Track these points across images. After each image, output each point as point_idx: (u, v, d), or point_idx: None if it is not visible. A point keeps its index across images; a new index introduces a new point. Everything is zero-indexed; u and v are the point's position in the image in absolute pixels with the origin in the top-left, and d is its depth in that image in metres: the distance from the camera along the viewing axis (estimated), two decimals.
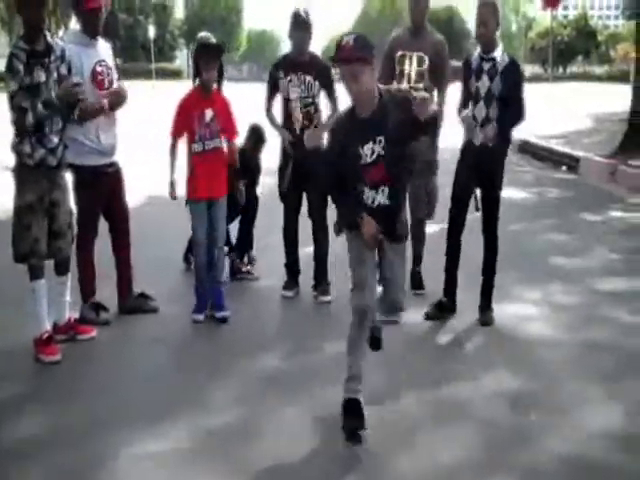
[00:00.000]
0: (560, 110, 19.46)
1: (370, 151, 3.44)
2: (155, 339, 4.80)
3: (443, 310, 5.12)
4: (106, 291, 5.15)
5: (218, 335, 4.92)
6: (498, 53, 4.83)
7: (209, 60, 4.95)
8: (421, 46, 5.42)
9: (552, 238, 7.37)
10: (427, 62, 5.39)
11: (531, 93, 20.62)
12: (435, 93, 5.42)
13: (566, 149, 12.80)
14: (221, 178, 5.11)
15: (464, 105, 4.97)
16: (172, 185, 5.10)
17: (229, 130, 5.10)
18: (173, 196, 5.12)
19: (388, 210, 3.56)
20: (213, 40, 5.27)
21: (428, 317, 5.08)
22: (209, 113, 4.99)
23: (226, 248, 5.57)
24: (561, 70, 60.71)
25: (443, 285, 5.16)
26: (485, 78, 4.80)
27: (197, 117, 4.98)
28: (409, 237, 3.96)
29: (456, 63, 5.69)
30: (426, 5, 5.53)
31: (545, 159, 12.81)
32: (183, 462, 3.33)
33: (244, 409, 3.85)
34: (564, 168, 11.88)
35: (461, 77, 4.99)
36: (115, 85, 4.96)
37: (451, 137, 5.61)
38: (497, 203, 4.98)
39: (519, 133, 14.16)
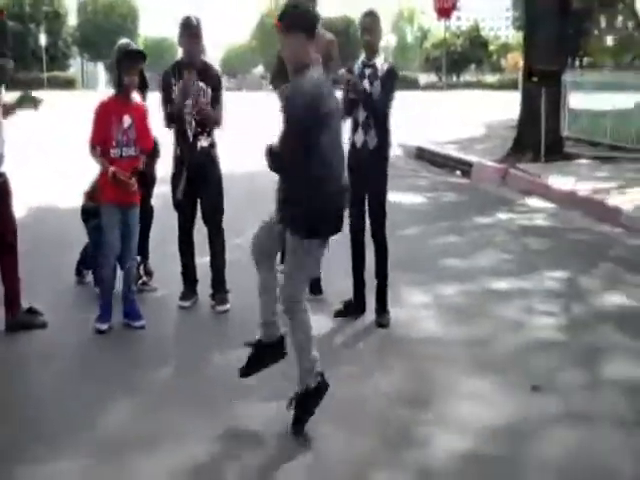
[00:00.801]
0: (454, 117, 20.01)
1: None
2: (46, 355, 4.63)
3: (352, 310, 5.22)
4: None
5: (114, 348, 4.79)
6: (379, 60, 5.06)
7: (131, 65, 4.91)
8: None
9: (446, 241, 7.57)
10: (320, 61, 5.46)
11: (426, 101, 21.08)
12: None
13: (460, 155, 13.18)
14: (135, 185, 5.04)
15: (346, 112, 5.03)
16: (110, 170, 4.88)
17: (144, 140, 5.04)
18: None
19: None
20: (134, 46, 5.17)
21: (337, 315, 5.17)
22: (127, 120, 4.92)
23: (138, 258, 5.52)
24: (455, 78, 62.62)
25: (352, 286, 5.25)
26: (366, 82, 4.99)
27: (115, 123, 4.90)
28: None
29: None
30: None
31: (440, 165, 13.14)
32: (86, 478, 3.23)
33: (143, 422, 3.76)
34: (458, 173, 12.22)
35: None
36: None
37: None
38: (383, 207, 5.12)
39: (415, 140, 14.53)
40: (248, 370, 3.89)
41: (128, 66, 4.89)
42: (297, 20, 3.61)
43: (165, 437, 3.59)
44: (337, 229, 3.73)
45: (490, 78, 63.33)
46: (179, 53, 5.59)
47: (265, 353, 3.86)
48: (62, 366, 4.48)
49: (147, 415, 3.85)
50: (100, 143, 4.95)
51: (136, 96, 5.09)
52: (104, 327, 4.98)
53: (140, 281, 5.88)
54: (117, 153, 4.93)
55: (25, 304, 5.06)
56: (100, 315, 5.03)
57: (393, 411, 3.84)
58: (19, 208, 5.22)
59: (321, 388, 3.65)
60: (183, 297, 5.52)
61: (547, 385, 4.11)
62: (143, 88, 5.37)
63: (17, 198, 5.10)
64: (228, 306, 5.40)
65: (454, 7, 21.65)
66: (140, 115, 5.03)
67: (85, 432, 3.64)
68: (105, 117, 4.93)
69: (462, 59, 65.46)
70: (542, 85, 11.62)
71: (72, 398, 4.04)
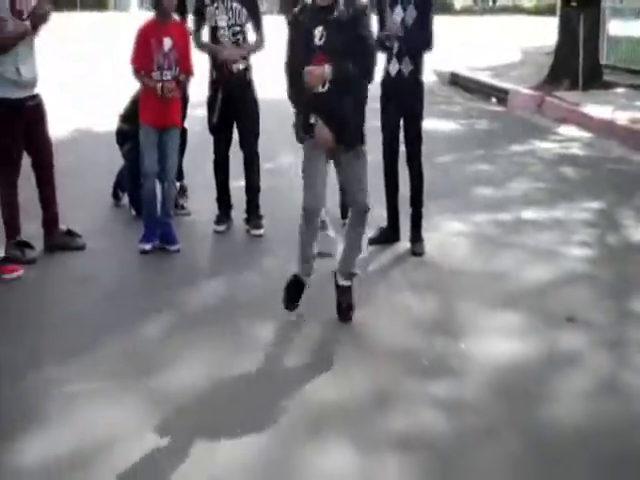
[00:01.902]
0: (490, 43, 19.49)
1: (319, 35, 3.73)
2: (83, 276, 4.71)
3: (386, 237, 5.22)
4: (31, 228, 5.02)
5: (148, 271, 4.88)
6: None
7: None
8: None
9: (479, 169, 7.49)
10: None
11: (461, 26, 20.53)
12: None
13: (495, 82, 12.89)
14: (175, 108, 5.05)
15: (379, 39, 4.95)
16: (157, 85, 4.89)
17: (184, 65, 5.00)
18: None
19: (338, 114, 3.77)
20: None
21: (371, 242, 5.15)
22: (168, 42, 4.89)
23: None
24: (491, 3, 60.77)
25: (386, 213, 5.24)
26: (399, 9, 4.85)
27: (156, 46, 4.86)
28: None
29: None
30: None
31: (475, 91, 12.88)
32: (110, 398, 3.31)
33: (171, 345, 3.82)
34: (494, 100, 11.99)
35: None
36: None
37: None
38: (419, 134, 5.06)
39: (449, 66, 14.22)
40: (292, 302, 4.03)
41: None
42: None
43: (188, 360, 3.65)
44: None
45: (527, 3, 61.27)
46: None
47: (299, 288, 4.03)
48: (97, 287, 4.55)
49: (175, 338, 3.90)
50: (141, 66, 4.93)
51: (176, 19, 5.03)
52: (148, 247, 5.04)
53: (179, 201, 5.91)
54: (157, 76, 4.91)
55: (63, 227, 5.14)
56: (144, 235, 5.08)
57: (425, 340, 3.86)
58: (55, 130, 5.23)
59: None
60: (218, 221, 5.56)
61: (580, 317, 4.09)
62: (183, 12, 5.28)
63: (52, 120, 5.11)
64: (262, 231, 5.43)
65: None
66: (181, 37, 4.99)
67: (112, 354, 3.71)
68: (145, 40, 4.90)
69: None
70: (581, 10, 11.22)
71: (103, 319, 4.12)
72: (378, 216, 5.35)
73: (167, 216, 5.15)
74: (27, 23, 4.62)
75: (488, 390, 3.39)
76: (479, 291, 4.48)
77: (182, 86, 5.15)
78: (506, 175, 7.18)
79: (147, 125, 5.01)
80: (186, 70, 5.05)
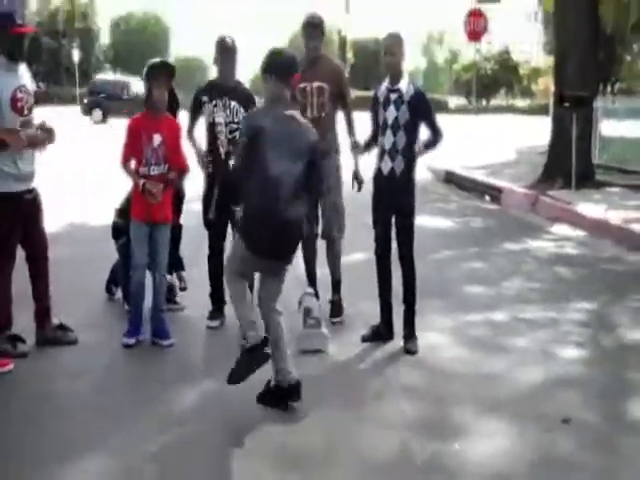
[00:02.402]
0: (484, 142, 19.95)
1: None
2: (74, 371, 4.67)
3: (379, 335, 5.19)
4: (23, 321, 4.99)
5: (141, 365, 4.82)
6: (404, 84, 5.01)
7: (159, 79, 4.95)
8: (319, 75, 5.55)
9: (473, 267, 7.52)
10: (327, 92, 5.55)
11: (456, 125, 20.99)
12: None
13: (490, 180, 13.12)
14: (166, 204, 5.07)
15: (373, 138, 5.17)
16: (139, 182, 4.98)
17: (176, 161, 5.07)
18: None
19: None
20: (163, 60, 5.25)
21: (364, 340, 5.14)
22: (157, 138, 4.96)
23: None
24: (485, 102, 62.43)
25: (379, 311, 5.23)
26: (392, 108, 4.98)
27: (145, 141, 4.94)
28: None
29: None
30: (321, 36, 5.65)
31: (470, 189, 13.09)
32: None
33: (167, 438, 3.78)
34: (488, 198, 12.17)
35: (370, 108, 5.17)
36: (34, 112, 4.87)
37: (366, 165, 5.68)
38: (411, 231, 5.10)
39: (444, 164, 14.50)
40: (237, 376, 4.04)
41: (157, 79, 4.93)
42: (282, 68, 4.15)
43: (187, 453, 3.59)
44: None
45: (520, 103, 63.06)
46: (212, 72, 5.66)
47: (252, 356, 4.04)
48: (88, 382, 4.51)
49: (170, 432, 3.86)
50: (129, 160, 5.01)
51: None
52: (131, 341, 5.02)
53: (179, 286, 5.91)
54: (145, 171, 4.98)
55: (55, 320, 5.11)
56: (128, 330, 5.07)
57: (418, 442, 3.79)
58: (50, 224, 5.27)
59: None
60: (211, 317, 5.54)
61: (575, 418, 4.04)
62: (174, 106, 5.40)
63: (48, 214, 5.16)
64: None
65: (485, 30, 21.63)
66: (172, 133, 5.06)
67: (109, 450, 3.66)
68: (135, 134, 4.97)
69: (492, 83, 65.31)
70: (573, 111, 11.53)
71: (91, 411, 4.08)
72: (370, 313, 5.36)
73: (159, 311, 5.13)
74: (24, 139, 4.71)
75: None
76: (473, 393, 4.41)
77: (175, 182, 5.20)
78: (500, 274, 7.21)
79: (137, 220, 5.04)
80: (179, 166, 5.10)
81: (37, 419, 4.01)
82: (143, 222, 5.01)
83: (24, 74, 4.91)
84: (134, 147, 4.98)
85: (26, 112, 4.81)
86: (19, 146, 4.68)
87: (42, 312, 5.06)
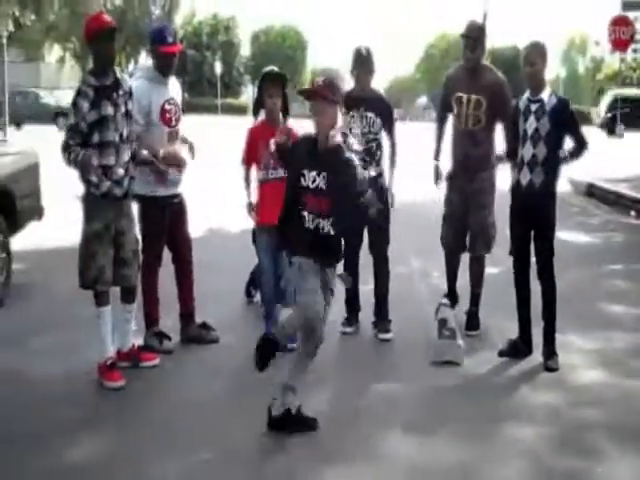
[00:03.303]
0: (629, 154, 19.06)
1: (312, 179, 3.89)
2: (215, 369, 4.86)
3: (517, 350, 5.06)
4: (169, 320, 5.24)
5: (279, 367, 4.92)
6: (546, 94, 4.86)
7: (271, 88, 5.09)
8: (478, 87, 5.48)
9: (616, 285, 7.19)
10: (485, 105, 5.45)
11: (598, 136, 20.03)
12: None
13: (635, 193, 12.51)
14: None
15: (512, 149, 5.04)
16: (249, 206, 5.26)
17: None
18: (252, 214, 5.29)
19: (328, 237, 3.95)
20: (277, 70, 5.39)
21: (501, 355, 5.05)
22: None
23: None
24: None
25: (518, 325, 5.11)
26: (532, 119, 4.84)
27: (263, 146, 5.07)
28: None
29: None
30: (481, 48, 5.54)
31: (613, 203, 12.53)
32: None
33: (293, 443, 3.83)
34: (633, 214, 11.60)
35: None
36: (181, 123, 5.13)
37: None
38: (551, 247, 4.93)
39: (586, 176, 13.94)
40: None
41: (269, 88, 5.07)
42: (336, 93, 3.98)
43: (312, 458, 3.63)
44: None
45: None
46: (351, 83, 5.71)
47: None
48: (225, 381, 4.67)
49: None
50: (250, 165, 5.20)
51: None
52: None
53: None
54: (264, 176, 5.11)
55: (199, 320, 5.32)
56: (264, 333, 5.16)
57: (551, 461, 3.66)
58: (195, 228, 5.50)
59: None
60: (346, 323, 5.59)
61: None
62: (284, 111, 5.45)
63: (192, 218, 5.40)
64: (391, 335, 5.41)
65: (632, 39, 20.69)
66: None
67: (239, 449, 3.77)
68: (254, 141, 5.15)
69: None
70: None
71: (230, 412, 4.21)
72: (508, 329, 5.24)
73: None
74: (185, 158, 5.04)
75: None
76: (614, 418, 4.20)
77: None
78: None
79: (261, 224, 5.13)
80: None
81: (174, 412, 4.22)
82: (267, 225, 5.11)
83: (174, 87, 5.17)
84: (253, 152, 5.16)
85: (174, 123, 5.06)
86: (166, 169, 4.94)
87: (187, 312, 5.29)
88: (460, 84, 5.57)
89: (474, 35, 5.49)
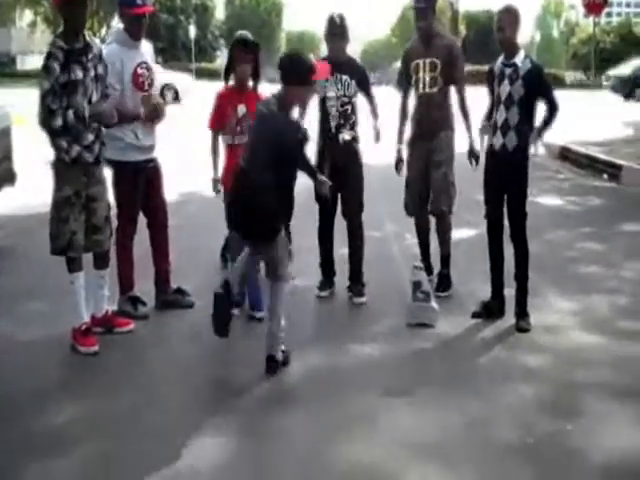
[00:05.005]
0: (602, 118, 19.15)
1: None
2: (191, 334, 4.87)
3: (490, 311, 5.12)
4: (144, 285, 5.22)
5: (252, 332, 4.94)
6: (519, 58, 4.88)
7: (242, 55, 5.08)
8: (432, 50, 5.53)
9: (591, 247, 7.26)
10: (439, 66, 5.50)
11: (572, 100, 20.04)
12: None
13: (608, 157, 12.60)
14: None
15: (489, 115, 5.05)
16: (215, 183, 5.28)
17: None
18: (216, 191, 5.27)
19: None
20: (249, 37, 5.35)
21: (474, 316, 5.11)
22: (242, 109, 5.10)
23: None
24: (604, 77, 59.78)
25: (490, 287, 5.17)
26: (506, 82, 4.87)
27: (231, 111, 5.09)
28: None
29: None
30: (431, 17, 5.53)
31: (586, 167, 12.61)
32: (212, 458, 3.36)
33: (273, 408, 3.87)
34: (605, 176, 11.69)
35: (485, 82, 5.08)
36: (155, 87, 5.06)
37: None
38: (523, 210, 4.98)
39: (558, 139, 14.01)
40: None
41: (240, 55, 5.08)
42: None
43: (291, 426, 3.68)
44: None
45: None
46: (323, 48, 5.69)
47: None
48: (203, 343, 4.68)
49: (277, 401, 3.96)
50: (216, 129, 5.20)
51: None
52: (235, 312, 5.11)
53: None
54: (229, 141, 5.14)
55: (174, 285, 5.31)
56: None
57: (535, 422, 3.71)
58: (168, 193, 5.47)
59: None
60: (321, 287, 5.62)
61: None
62: (255, 77, 5.33)
63: (168, 183, 5.36)
64: (365, 299, 5.45)
65: (605, 3, 20.71)
66: (255, 105, 5.13)
67: (214, 412, 3.80)
68: (221, 105, 5.16)
69: (612, 57, 62.50)
70: None
71: (207, 377, 4.26)
72: (481, 291, 5.29)
73: (253, 280, 5.19)
74: (142, 112, 4.91)
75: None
76: (595, 377, 4.25)
77: None
78: (620, 255, 6.90)
79: (227, 191, 5.08)
80: None
81: (151, 377, 4.25)
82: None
83: (147, 51, 5.10)
84: (219, 117, 5.17)
85: (147, 87, 4.99)
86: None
87: (162, 277, 5.28)
88: (416, 52, 5.63)
89: (421, 5, 5.49)
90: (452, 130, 5.63)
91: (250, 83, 5.24)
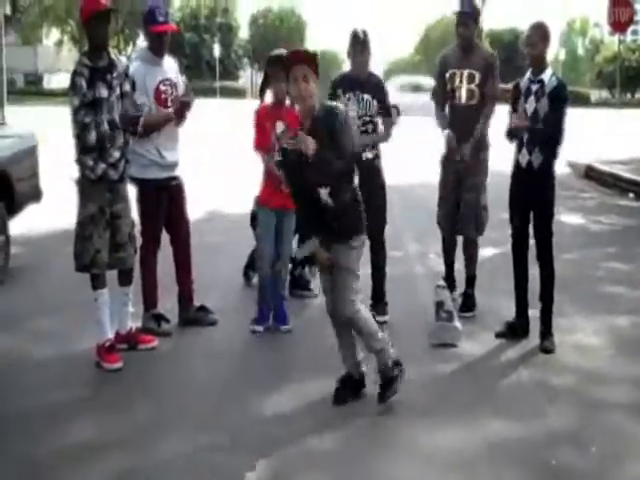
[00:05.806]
0: (628, 136, 19.00)
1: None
2: (213, 352, 4.88)
3: (515, 331, 5.07)
4: (167, 302, 5.25)
5: (275, 350, 4.95)
6: (547, 75, 4.86)
7: (277, 72, 5.03)
8: (471, 62, 5.51)
9: (615, 267, 7.19)
10: (478, 79, 5.47)
11: (597, 118, 19.98)
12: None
13: (634, 176, 12.49)
14: None
15: (510, 133, 4.98)
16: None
17: None
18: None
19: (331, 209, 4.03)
20: (281, 53, 5.36)
21: (498, 336, 5.06)
22: (280, 126, 5.08)
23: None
24: (629, 96, 59.38)
25: (515, 306, 5.12)
26: (532, 99, 4.84)
27: (270, 129, 5.07)
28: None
29: (504, 86, 5.74)
30: (473, 26, 5.56)
31: (611, 186, 12.52)
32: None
33: (298, 428, 3.85)
34: (631, 195, 11.60)
35: (510, 99, 5.04)
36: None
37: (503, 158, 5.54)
38: (549, 228, 4.94)
39: (583, 157, 13.92)
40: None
41: (275, 72, 5.01)
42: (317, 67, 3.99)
43: (311, 442, 3.66)
44: None
45: None
46: (347, 65, 5.70)
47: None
48: (223, 363, 4.69)
49: (294, 419, 3.94)
50: (260, 147, 5.16)
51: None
52: (260, 329, 5.16)
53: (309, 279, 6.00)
54: (271, 159, 5.09)
55: (197, 302, 5.33)
56: (257, 317, 5.22)
57: (559, 443, 3.67)
58: (193, 211, 5.50)
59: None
60: None
61: None
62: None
63: (191, 201, 5.38)
64: (387, 317, 5.42)
65: (631, 21, 20.54)
66: (294, 121, 5.14)
67: (234, 429, 3.79)
68: (261, 123, 5.14)
69: (637, 75, 62.11)
70: None
71: (227, 394, 4.24)
72: (505, 311, 5.25)
73: (279, 296, 5.24)
74: (170, 111, 4.96)
75: None
76: (621, 397, 4.21)
77: None
78: None
79: (265, 206, 5.15)
80: None
81: (172, 394, 4.26)
82: (271, 208, 5.13)
83: (170, 67, 5.15)
84: (262, 135, 5.13)
85: (169, 104, 5.03)
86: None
87: (185, 294, 5.30)
88: (453, 61, 5.61)
89: (467, 10, 5.51)
90: (487, 149, 5.60)
91: (287, 100, 5.25)
